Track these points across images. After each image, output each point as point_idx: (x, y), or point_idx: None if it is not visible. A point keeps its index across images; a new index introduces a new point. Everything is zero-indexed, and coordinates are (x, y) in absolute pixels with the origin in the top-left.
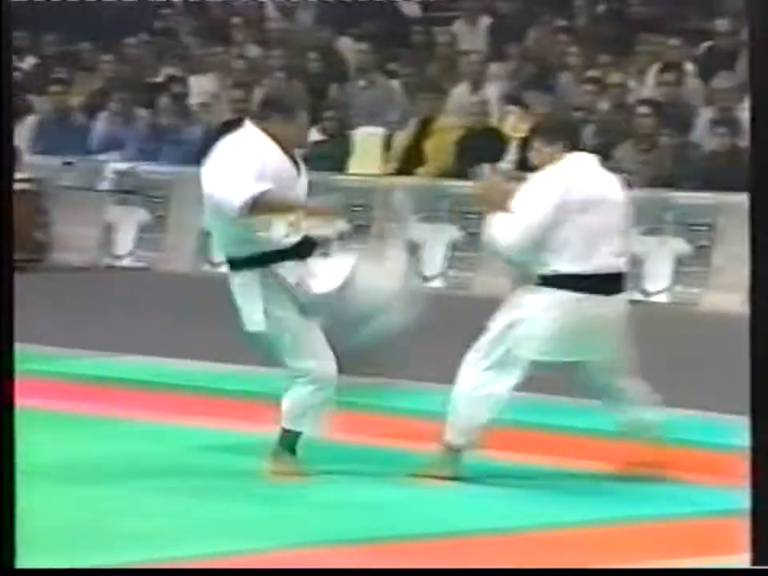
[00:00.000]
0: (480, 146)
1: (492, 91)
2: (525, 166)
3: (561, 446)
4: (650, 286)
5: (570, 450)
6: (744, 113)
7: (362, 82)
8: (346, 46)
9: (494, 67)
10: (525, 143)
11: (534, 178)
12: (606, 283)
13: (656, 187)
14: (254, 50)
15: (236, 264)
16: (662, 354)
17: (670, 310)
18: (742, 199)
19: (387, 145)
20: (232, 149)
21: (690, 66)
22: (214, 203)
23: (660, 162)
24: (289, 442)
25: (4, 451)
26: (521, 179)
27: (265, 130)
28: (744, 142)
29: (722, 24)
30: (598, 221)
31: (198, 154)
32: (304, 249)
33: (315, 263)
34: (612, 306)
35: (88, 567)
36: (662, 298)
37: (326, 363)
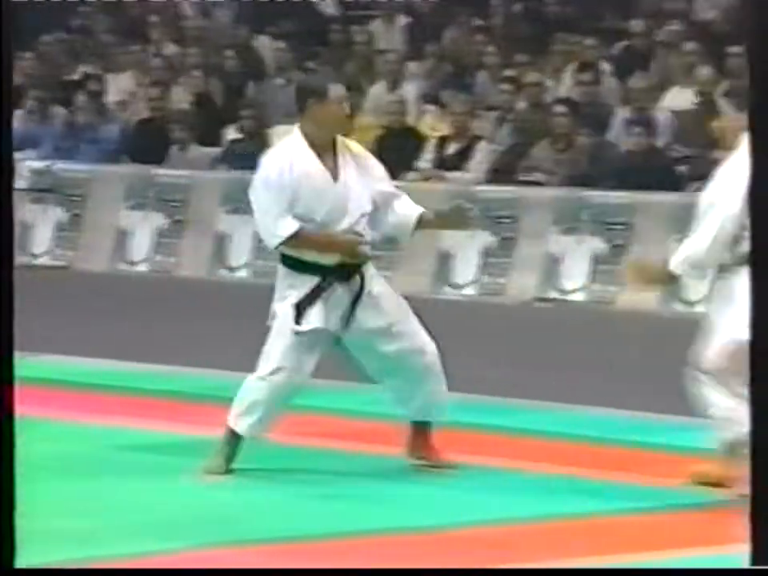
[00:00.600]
0: (398, 145)
1: (409, 90)
2: (442, 165)
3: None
4: (567, 285)
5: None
6: (659, 112)
7: (279, 81)
8: (264, 44)
9: (412, 66)
10: (442, 142)
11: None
12: None
13: (573, 186)
14: (170, 48)
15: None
16: (578, 351)
17: (587, 309)
18: (658, 198)
19: None
20: (270, 171)
21: (605, 66)
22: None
23: (576, 161)
24: (230, 440)
25: (4, 451)
26: (439, 178)
27: (306, 126)
28: (659, 141)
29: (636, 24)
30: None
31: (114, 153)
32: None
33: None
34: None
35: (88, 567)
36: (579, 297)
37: (288, 372)
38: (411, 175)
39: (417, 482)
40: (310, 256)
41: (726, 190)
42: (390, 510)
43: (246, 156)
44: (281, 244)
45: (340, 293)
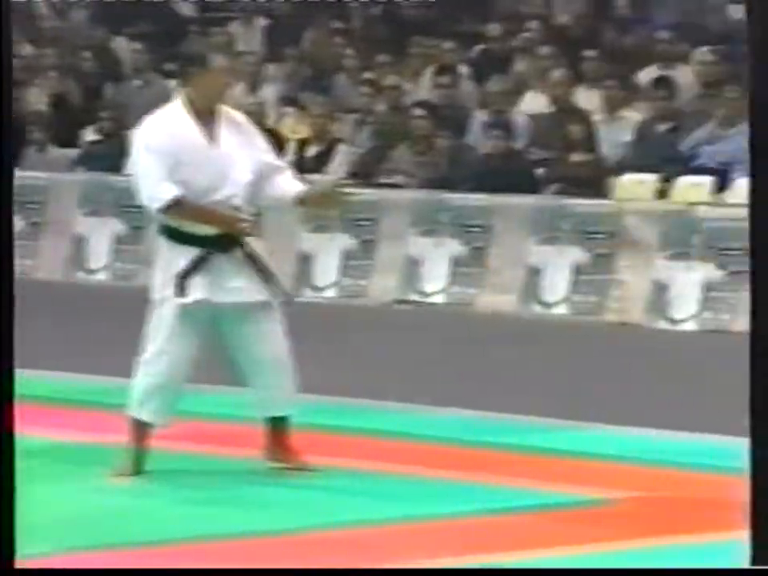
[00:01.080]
0: None
1: (269, 92)
2: (302, 168)
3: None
4: (426, 287)
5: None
6: (517, 115)
7: (137, 82)
8: (121, 45)
9: (271, 68)
10: (302, 144)
11: None
12: None
13: (432, 189)
14: (27, 49)
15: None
16: (438, 353)
17: (447, 311)
18: (516, 201)
19: None
20: (151, 135)
21: (464, 69)
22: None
23: (435, 163)
24: (137, 433)
25: (3, 451)
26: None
27: (188, 93)
28: (517, 143)
29: (494, 28)
30: None
31: None
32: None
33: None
34: None
35: (88, 567)
36: (439, 299)
37: (176, 348)
38: None
39: (280, 485)
40: (189, 226)
41: None
42: (254, 513)
43: (104, 157)
44: (162, 208)
45: (222, 263)
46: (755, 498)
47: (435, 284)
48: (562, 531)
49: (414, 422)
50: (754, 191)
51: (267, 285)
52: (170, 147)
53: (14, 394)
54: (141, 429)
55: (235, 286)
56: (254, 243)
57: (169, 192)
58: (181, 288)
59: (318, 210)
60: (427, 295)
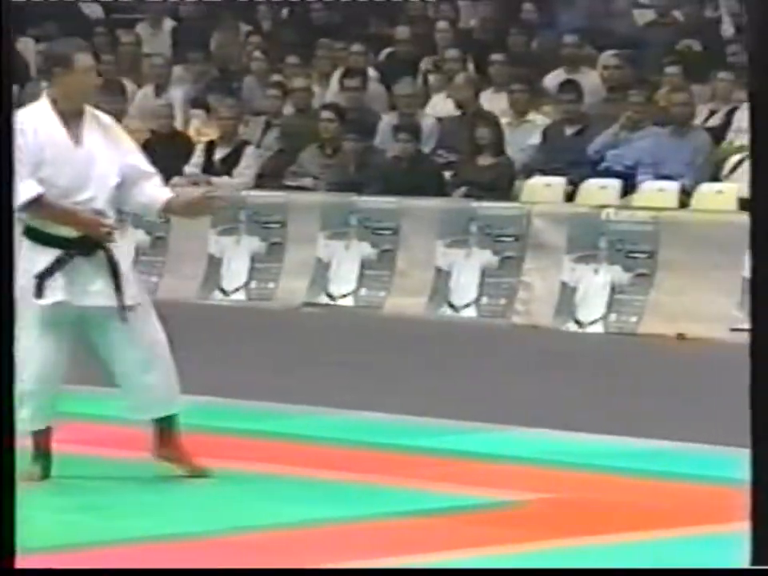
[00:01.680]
0: (165, 150)
1: (176, 95)
2: (210, 170)
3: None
4: (335, 290)
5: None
6: (425, 119)
7: (44, 83)
8: (28, 46)
9: (178, 70)
10: (209, 147)
11: None
12: None
13: (340, 191)
14: None
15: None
16: (346, 355)
17: (356, 314)
18: (424, 203)
19: None
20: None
21: (372, 72)
22: None
23: (344, 166)
24: (34, 443)
25: (3, 452)
26: (206, 183)
27: (52, 92)
28: (425, 146)
29: (402, 31)
30: None
31: None
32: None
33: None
34: None
35: (88, 567)
36: (349, 302)
37: (41, 352)
38: (179, 180)
39: (175, 488)
40: (51, 227)
41: None
42: (151, 517)
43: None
44: (21, 206)
45: (83, 266)
46: (755, 498)
47: (344, 287)
48: (473, 533)
49: (317, 424)
50: (755, 191)
51: (118, 290)
52: (33, 145)
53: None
54: (37, 434)
55: (97, 290)
56: (120, 247)
57: (29, 191)
58: (39, 289)
59: (183, 217)
60: (335, 298)
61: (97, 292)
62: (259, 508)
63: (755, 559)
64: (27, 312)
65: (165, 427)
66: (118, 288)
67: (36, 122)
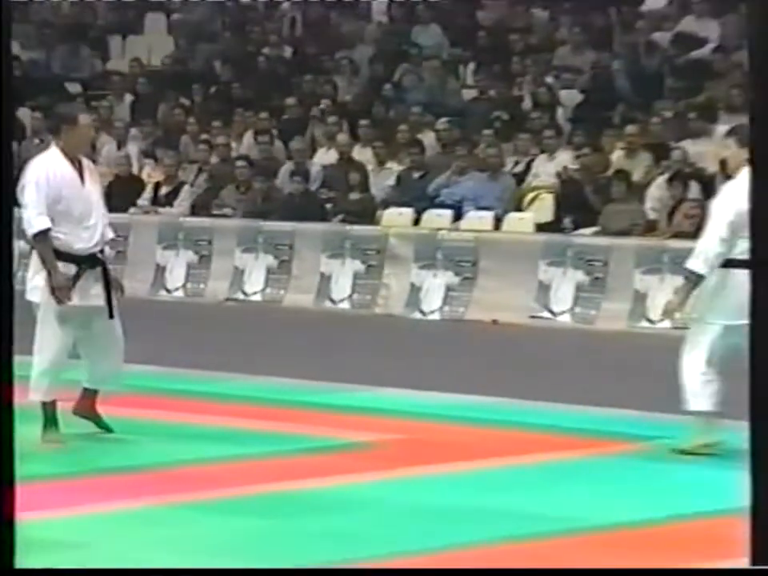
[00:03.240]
0: (124, 189)
1: (132, 148)
2: (157, 203)
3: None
4: (248, 289)
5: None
6: (313, 166)
7: (36, 141)
8: (25, 113)
9: (134, 131)
10: (157, 186)
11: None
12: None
13: (251, 218)
14: None
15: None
16: (257, 337)
17: (263, 306)
18: (312, 227)
19: None
20: (31, 176)
21: (275, 131)
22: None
23: (254, 200)
24: (45, 412)
25: (3, 451)
26: (154, 212)
27: (61, 143)
28: (312, 186)
29: (293, 101)
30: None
31: None
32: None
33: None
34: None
35: (88, 567)
36: (257, 298)
37: (59, 343)
38: (134, 210)
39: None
40: (71, 249)
41: (722, 206)
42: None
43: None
44: (36, 233)
45: (88, 275)
46: (755, 498)
47: (254, 287)
48: (342, 465)
49: (234, 386)
50: (754, 190)
51: (108, 294)
52: (54, 185)
53: (12, 385)
54: (44, 407)
55: (95, 293)
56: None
57: (43, 224)
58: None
59: None
60: (248, 295)
61: (95, 295)
62: (180, 448)
63: (755, 559)
64: (49, 311)
65: (93, 393)
66: (108, 292)
67: (53, 166)
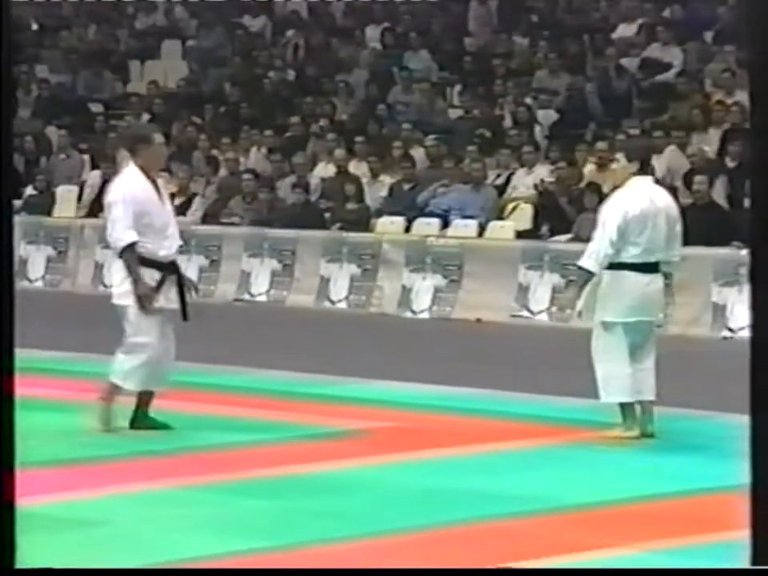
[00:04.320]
0: None
1: None
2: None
3: None
4: (254, 291)
5: None
6: (313, 179)
7: (62, 156)
8: (52, 131)
9: None
10: (171, 197)
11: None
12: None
13: (257, 226)
14: None
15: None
16: (262, 333)
17: (268, 306)
18: (312, 234)
19: (79, 197)
20: (118, 193)
21: (277, 147)
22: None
23: (260, 209)
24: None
25: (4, 450)
26: None
27: (138, 162)
28: (312, 197)
29: (295, 119)
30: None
31: None
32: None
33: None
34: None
35: (88, 567)
36: (263, 298)
37: (153, 340)
38: None
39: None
40: (156, 257)
41: (612, 211)
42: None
43: (38, 206)
44: (124, 247)
45: (169, 281)
46: (755, 499)
47: (260, 288)
48: (342, 450)
49: (244, 378)
50: (755, 190)
51: (182, 297)
52: (140, 200)
53: (13, 383)
54: (115, 393)
55: (171, 296)
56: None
57: (131, 237)
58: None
59: None
60: (254, 296)
61: (171, 298)
62: (192, 435)
63: (755, 559)
64: (142, 314)
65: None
66: (182, 295)
67: (135, 184)
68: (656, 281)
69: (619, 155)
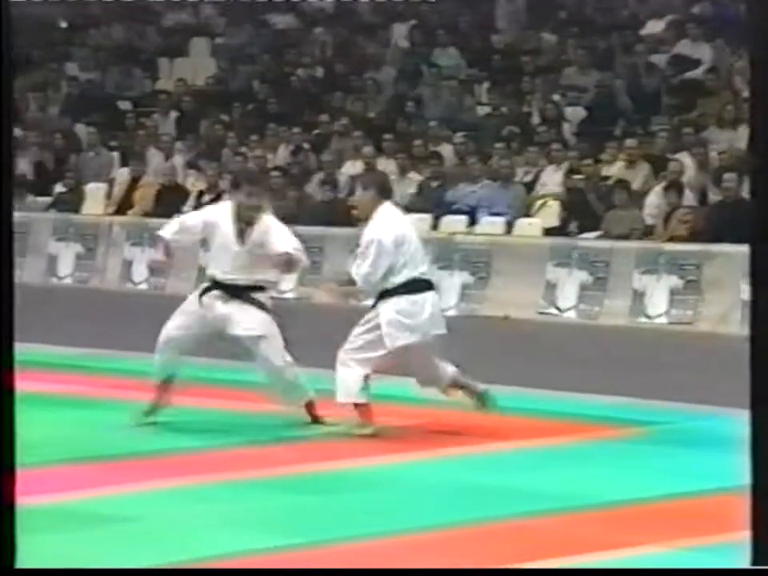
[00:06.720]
0: (170, 197)
1: (178, 160)
2: (199, 209)
3: None
4: (284, 287)
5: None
6: (341, 176)
7: (91, 154)
8: (81, 129)
9: (179, 144)
10: (200, 194)
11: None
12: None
13: (285, 224)
14: (17, 131)
15: None
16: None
17: (294, 304)
18: (341, 232)
19: (108, 195)
20: (200, 212)
21: (306, 145)
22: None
23: (288, 207)
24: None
25: (4, 450)
26: None
27: (233, 199)
28: (341, 194)
29: (324, 117)
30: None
31: None
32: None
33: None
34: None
35: (88, 567)
36: (292, 295)
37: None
38: (179, 216)
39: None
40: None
41: (380, 234)
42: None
43: (68, 203)
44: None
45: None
46: (755, 500)
47: (288, 285)
48: (374, 447)
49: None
50: (755, 190)
51: None
52: (204, 229)
53: (13, 381)
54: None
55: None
56: None
57: (167, 233)
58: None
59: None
60: (283, 293)
61: None
62: (225, 432)
63: (755, 559)
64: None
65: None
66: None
67: (217, 217)
68: None
69: (358, 190)
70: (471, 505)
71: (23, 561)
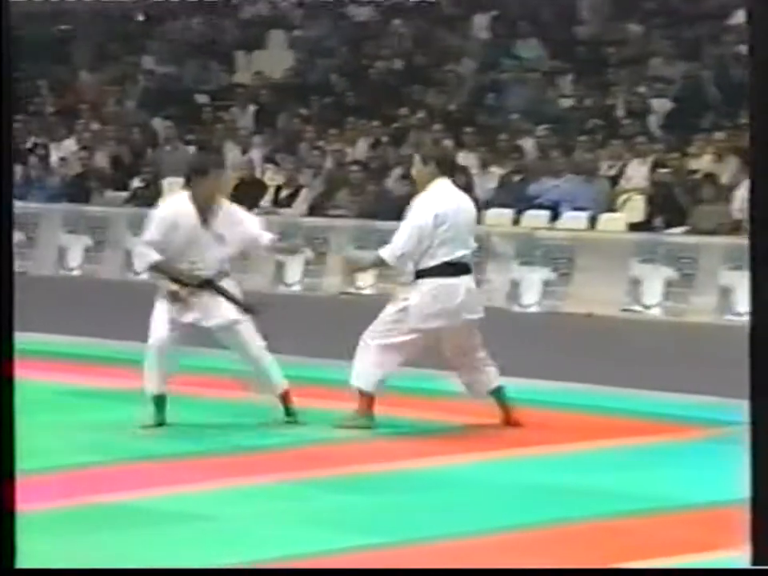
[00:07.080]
0: (248, 191)
1: (256, 154)
2: (277, 204)
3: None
4: (360, 284)
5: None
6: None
7: (167, 148)
8: (158, 123)
9: (257, 138)
10: (277, 189)
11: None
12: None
13: (364, 218)
14: (95, 126)
15: None
16: (361, 325)
17: (373, 300)
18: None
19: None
20: (159, 213)
21: (385, 138)
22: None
23: (366, 202)
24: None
25: (4, 450)
26: (275, 213)
27: (190, 188)
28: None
29: (403, 111)
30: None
31: (56, 196)
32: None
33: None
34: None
35: (88, 567)
36: (368, 291)
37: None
38: (257, 211)
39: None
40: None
41: (419, 212)
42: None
43: (146, 197)
44: (147, 270)
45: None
46: (755, 500)
47: (366, 281)
48: (444, 446)
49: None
50: (755, 190)
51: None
52: (169, 224)
53: (12, 361)
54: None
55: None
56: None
57: (149, 259)
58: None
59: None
60: (360, 288)
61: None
62: (294, 431)
63: (755, 559)
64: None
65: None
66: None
67: (175, 209)
68: None
69: (416, 158)
70: (552, 505)
71: (98, 560)
